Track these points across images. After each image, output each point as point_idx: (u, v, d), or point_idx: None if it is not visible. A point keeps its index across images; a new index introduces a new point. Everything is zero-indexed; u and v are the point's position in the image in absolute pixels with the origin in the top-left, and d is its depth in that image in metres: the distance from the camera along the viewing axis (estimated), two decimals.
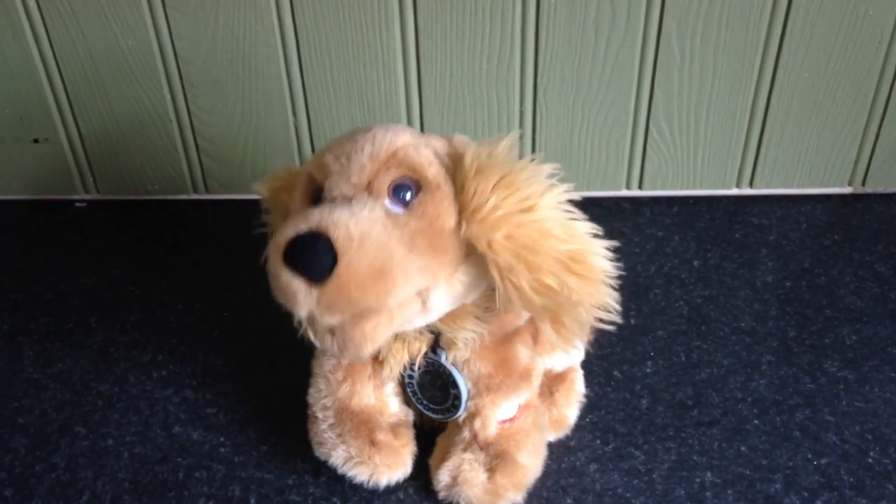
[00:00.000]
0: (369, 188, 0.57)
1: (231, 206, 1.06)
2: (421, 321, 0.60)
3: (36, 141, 1.03)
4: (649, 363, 0.82)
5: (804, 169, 1.02)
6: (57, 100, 1.00)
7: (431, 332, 0.64)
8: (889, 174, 1.03)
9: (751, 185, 1.04)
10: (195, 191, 1.07)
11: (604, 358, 0.82)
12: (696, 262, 0.94)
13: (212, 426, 0.77)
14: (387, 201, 0.57)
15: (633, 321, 0.87)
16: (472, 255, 0.58)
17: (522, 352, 0.67)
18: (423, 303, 0.58)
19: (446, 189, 0.57)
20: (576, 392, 0.76)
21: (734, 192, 1.05)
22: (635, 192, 1.04)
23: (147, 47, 0.95)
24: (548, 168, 0.58)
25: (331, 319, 0.55)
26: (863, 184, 1.04)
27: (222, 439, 0.76)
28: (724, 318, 0.87)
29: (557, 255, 0.55)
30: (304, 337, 0.65)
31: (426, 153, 0.58)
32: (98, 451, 0.75)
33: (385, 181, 0.57)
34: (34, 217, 1.06)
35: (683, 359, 0.83)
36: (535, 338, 0.69)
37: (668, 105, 0.97)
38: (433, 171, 0.58)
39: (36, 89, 0.99)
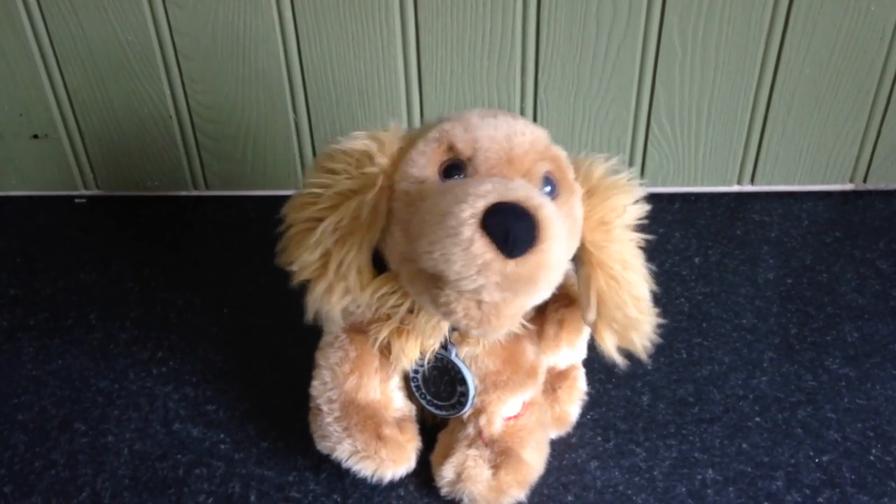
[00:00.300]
0: (527, 174, 0.58)
1: (231, 203, 1.05)
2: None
3: (36, 137, 1.03)
4: (650, 360, 0.82)
5: (806, 166, 1.02)
6: (56, 96, 1.00)
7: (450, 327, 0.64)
8: (890, 171, 1.03)
9: (752, 181, 1.04)
10: (195, 187, 1.07)
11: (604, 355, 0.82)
12: (697, 259, 0.94)
13: (212, 423, 0.77)
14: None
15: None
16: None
17: (529, 348, 0.67)
18: None
19: (580, 193, 0.61)
20: (578, 389, 0.76)
21: (735, 188, 1.04)
22: None
23: (147, 43, 0.94)
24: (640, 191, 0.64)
25: (498, 295, 0.55)
26: (864, 181, 1.04)
27: (222, 436, 0.76)
28: (725, 315, 0.87)
29: (644, 275, 0.64)
30: (303, 328, 0.64)
31: (562, 152, 0.62)
32: (98, 448, 0.75)
33: (540, 171, 0.58)
34: (34, 213, 1.05)
35: (685, 356, 0.82)
36: (540, 335, 0.69)
37: (669, 101, 0.97)
38: (571, 173, 0.61)
39: (35, 85, 0.99)
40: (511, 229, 0.52)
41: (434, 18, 0.91)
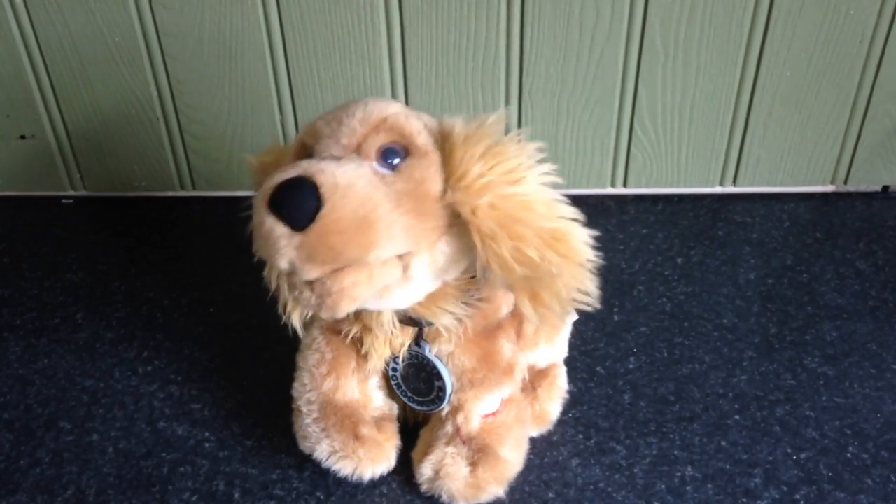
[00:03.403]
0: (358, 150, 0.58)
1: (217, 203, 1.06)
2: (401, 294, 0.59)
3: (22, 137, 1.03)
4: (632, 359, 0.83)
5: (787, 167, 1.03)
6: (43, 96, 1.00)
7: (414, 322, 0.65)
8: (871, 173, 1.04)
9: (734, 183, 1.05)
10: (182, 187, 1.07)
11: (587, 354, 0.83)
12: (679, 260, 0.95)
13: (197, 421, 0.78)
14: (374, 163, 0.57)
15: (616, 317, 0.87)
16: (456, 227, 0.58)
17: (506, 346, 0.68)
18: (405, 269, 0.57)
19: (434, 156, 0.58)
20: (558, 388, 0.76)
21: (718, 189, 1.05)
22: (620, 190, 1.05)
23: (133, 44, 0.95)
24: (534, 145, 0.58)
25: (311, 271, 0.55)
26: (845, 182, 1.05)
27: (207, 434, 0.77)
28: (706, 315, 0.88)
29: (540, 229, 0.56)
30: (289, 326, 0.66)
31: (416, 122, 0.59)
32: (83, 447, 0.76)
33: (374, 144, 0.58)
34: (20, 213, 1.06)
35: (666, 355, 0.83)
36: (519, 332, 0.70)
37: (652, 103, 0.97)
38: (422, 138, 0.58)
39: (22, 86, 0.99)
40: (287, 200, 0.53)
41: (419, 20, 0.92)
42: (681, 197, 1.05)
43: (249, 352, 0.84)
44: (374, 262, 0.55)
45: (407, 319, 0.64)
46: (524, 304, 0.57)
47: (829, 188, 1.05)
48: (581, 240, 0.57)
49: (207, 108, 0.99)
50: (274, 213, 0.53)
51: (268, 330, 0.86)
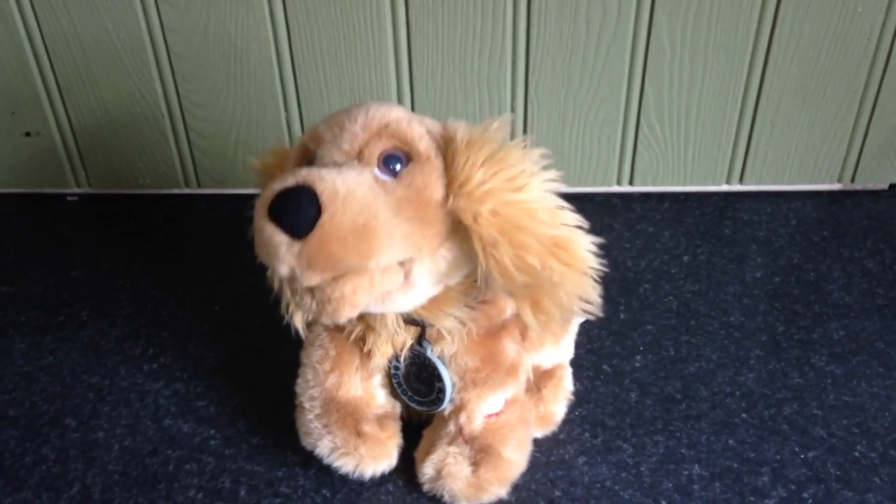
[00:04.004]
0: (360, 156, 0.58)
1: (222, 201, 1.06)
2: (402, 299, 0.60)
3: (28, 134, 1.03)
4: (638, 357, 0.83)
5: (793, 165, 1.03)
6: (49, 93, 1.00)
7: (417, 323, 0.65)
8: (878, 171, 1.03)
9: (741, 181, 1.04)
10: (187, 185, 1.07)
11: (593, 352, 0.83)
12: (685, 258, 0.95)
13: (202, 419, 0.78)
14: (376, 170, 0.57)
15: (622, 316, 0.87)
16: (458, 233, 0.58)
17: (510, 346, 0.68)
18: (406, 276, 0.57)
19: (436, 162, 0.58)
20: (563, 389, 0.76)
21: (724, 188, 1.05)
22: (626, 188, 1.04)
23: (139, 41, 0.95)
24: (538, 152, 0.58)
25: (311, 278, 0.55)
26: (852, 180, 1.04)
27: (212, 432, 0.76)
28: (713, 313, 0.87)
29: (542, 237, 0.55)
30: (292, 327, 0.66)
31: (418, 128, 0.59)
32: (88, 444, 0.76)
33: (375, 150, 0.58)
34: (25, 211, 1.06)
35: (672, 353, 0.83)
36: (524, 333, 0.70)
37: (658, 101, 0.97)
38: (424, 144, 0.58)
39: (27, 83, 0.99)
40: (287, 208, 0.53)
41: (425, 18, 0.92)
42: (687, 195, 1.04)
43: (254, 349, 0.84)
44: (375, 268, 0.55)
45: (410, 320, 0.64)
46: (525, 311, 0.58)
47: (837, 186, 1.05)
48: (584, 248, 0.57)
49: (213, 105, 0.99)
50: (274, 221, 0.54)
51: (273, 327, 0.85)
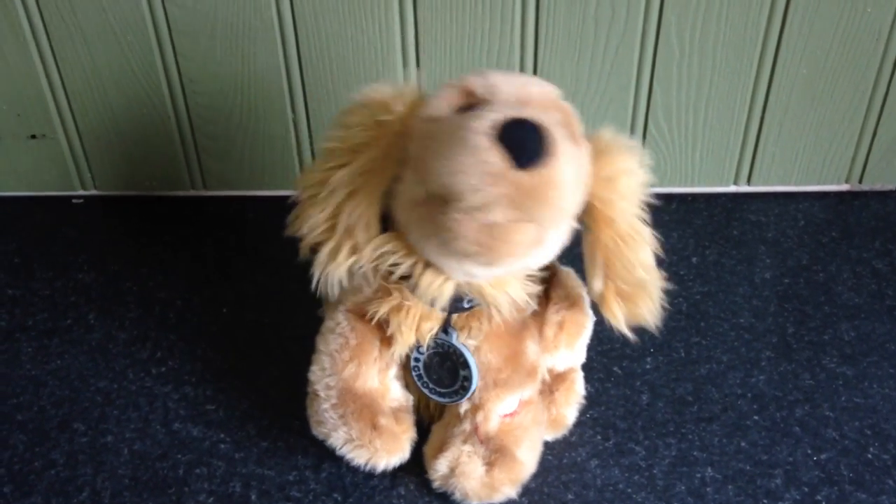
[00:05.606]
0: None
1: (229, 203, 1.05)
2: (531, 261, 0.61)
3: (34, 137, 1.03)
4: (649, 359, 0.82)
5: (802, 166, 1.02)
6: (55, 96, 1.00)
7: (457, 306, 0.64)
8: (886, 171, 1.03)
9: (749, 182, 1.04)
10: (193, 187, 1.07)
11: (604, 354, 0.83)
12: (694, 259, 0.95)
13: (212, 422, 0.77)
14: None
15: None
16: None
17: (531, 347, 0.68)
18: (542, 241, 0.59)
19: (587, 148, 0.60)
20: (575, 393, 0.76)
21: (732, 189, 1.05)
22: None
23: (145, 43, 0.94)
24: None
25: (508, 213, 0.54)
26: (860, 181, 1.04)
27: (222, 435, 0.76)
28: (722, 315, 0.87)
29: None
30: (297, 327, 0.65)
31: (574, 112, 0.61)
32: (97, 448, 0.75)
33: (552, 118, 0.57)
34: (32, 213, 1.05)
35: (683, 355, 0.83)
36: (539, 336, 0.70)
37: (666, 101, 0.97)
38: (579, 127, 0.60)
39: (34, 85, 0.98)
40: (524, 138, 0.53)
41: (433, 19, 0.92)
42: (695, 196, 1.04)
43: (263, 352, 0.84)
44: (552, 229, 0.58)
45: (454, 299, 0.63)
46: (614, 308, 0.64)
47: (845, 187, 1.05)
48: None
49: (219, 107, 0.99)
50: (501, 144, 0.53)
51: (282, 329, 0.86)
